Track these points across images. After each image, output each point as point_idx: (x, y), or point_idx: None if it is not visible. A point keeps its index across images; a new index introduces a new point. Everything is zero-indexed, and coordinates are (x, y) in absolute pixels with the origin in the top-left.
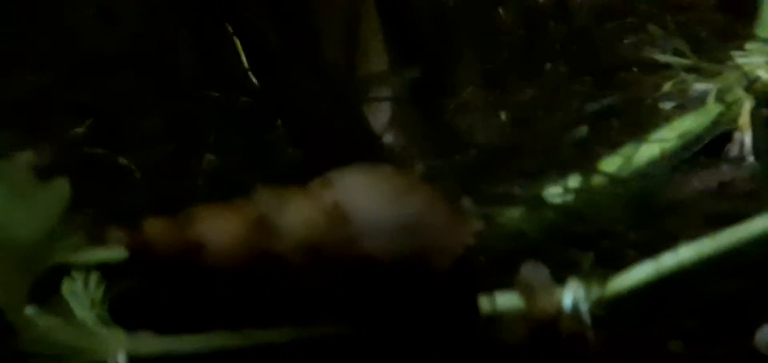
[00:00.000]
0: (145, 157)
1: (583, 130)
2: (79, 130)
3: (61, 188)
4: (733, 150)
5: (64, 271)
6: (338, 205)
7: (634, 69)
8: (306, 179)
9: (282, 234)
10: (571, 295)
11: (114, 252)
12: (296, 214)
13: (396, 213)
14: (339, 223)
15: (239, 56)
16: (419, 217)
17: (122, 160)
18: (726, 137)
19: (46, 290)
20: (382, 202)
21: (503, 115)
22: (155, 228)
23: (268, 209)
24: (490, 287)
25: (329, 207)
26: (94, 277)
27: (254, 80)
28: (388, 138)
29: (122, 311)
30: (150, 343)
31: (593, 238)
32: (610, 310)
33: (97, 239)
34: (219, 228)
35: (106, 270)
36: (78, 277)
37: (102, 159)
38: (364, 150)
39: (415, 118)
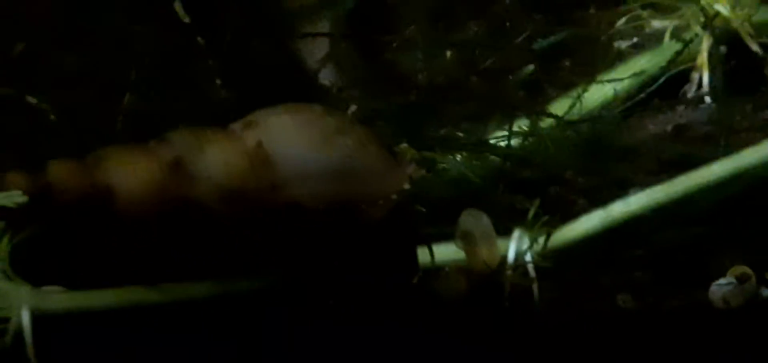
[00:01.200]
0: (63, 98)
1: (531, 69)
2: None
3: None
4: (690, 91)
5: None
6: (261, 147)
7: (588, 4)
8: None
9: (199, 178)
10: (515, 245)
11: (11, 196)
12: (215, 156)
13: (324, 156)
14: (262, 166)
15: None
16: (349, 160)
17: (36, 102)
18: (683, 78)
19: None
20: (310, 144)
21: (447, 54)
22: (59, 171)
23: (185, 151)
24: (430, 238)
25: (252, 149)
26: None
27: (181, 14)
28: (323, 76)
29: (28, 264)
30: (58, 299)
31: (540, 185)
32: (557, 261)
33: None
34: (130, 172)
35: (7, 217)
36: None
37: (14, 99)
38: (298, 89)
39: (353, 55)
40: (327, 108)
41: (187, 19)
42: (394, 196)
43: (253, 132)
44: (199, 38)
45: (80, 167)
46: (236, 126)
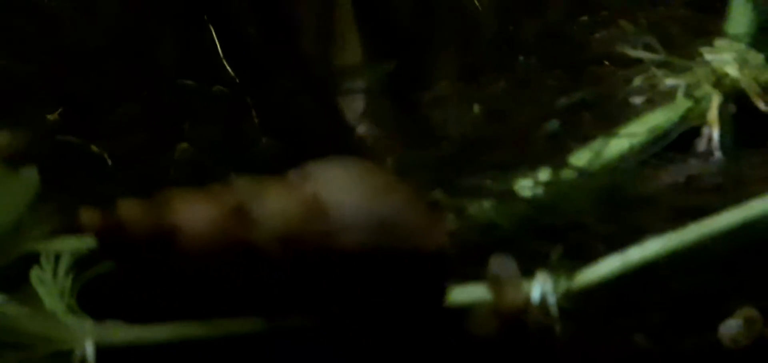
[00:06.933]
0: (119, 146)
1: (554, 123)
2: (53, 117)
3: (29, 177)
4: (701, 145)
5: (33, 259)
6: (317, 197)
7: (606, 63)
8: (279, 170)
9: (259, 223)
10: (540, 287)
11: (83, 241)
12: (274, 204)
13: (373, 209)
14: (317, 215)
15: (215, 45)
16: (396, 214)
17: (94, 148)
18: (694, 132)
19: (14, 279)
20: (361, 197)
21: (476, 108)
22: (129, 209)
23: (247, 197)
24: (461, 279)
25: (308, 199)
26: (62, 266)
27: (229, 70)
28: (361, 129)
29: (92, 299)
30: (118, 332)
31: (562, 231)
32: (578, 302)
33: (70, 223)
34: (195, 213)
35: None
36: (47, 266)
37: (75, 147)
38: (338, 141)
39: (389, 110)
40: (378, 165)
41: (233, 74)
42: (434, 249)
43: (310, 183)
44: (245, 91)
45: (149, 206)
46: (294, 175)
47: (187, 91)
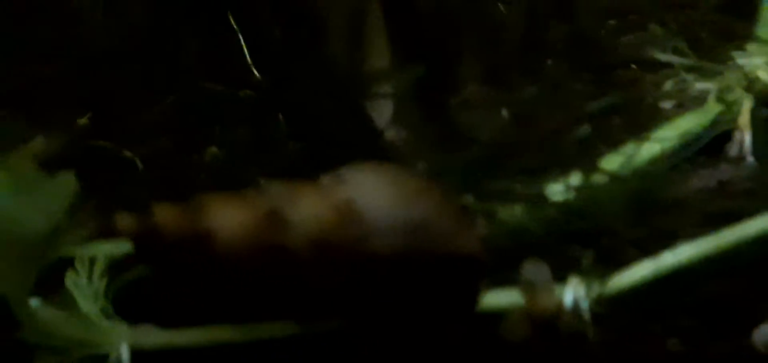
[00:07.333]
0: (148, 150)
1: (584, 128)
2: (83, 121)
3: (67, 181)
4: (733, 149)
5: (69, 263)
6: (351, 202)
7: (635, 68)
8: (307, 174)
9: (293, 227)
10: (572, 292)
11: (119, 245)
12: (308, 208)
13: (406, 213)
14: (350, 220)
15: (242, 50)
16: (429, 219)
17: (126, 153)
18: (726, 137)
19: (51, 283)
20: (394, 201)
21: (505, 113)
22: (164, 214)
23: (280, 202)
24: (493, 284)
25: (341, 203)
26: (98, 270)
27: (257, 74)
28: (390, 134)
29: (127, 303)
30: (153, 335)
31: (594, 236)
32: (610, 307)
33: (104, 228)
34: (230, 217)
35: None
36: (82, 270)
37: (105, 151)
38: (366, 146)
39: (418, 114)
40: (410, 169)
41: (260, 78)
42: (466, 254)
43: (343, 187)
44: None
45: (184, 211)
46: (326, 180)
47: (215, 95)
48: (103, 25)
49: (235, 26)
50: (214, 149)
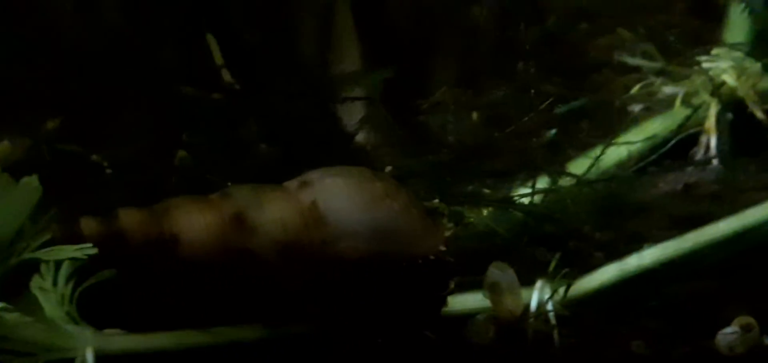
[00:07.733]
0: (118, 154)
1: (552, 131)
2: (52, 125)
3: (31, 186)
4: (699, 153)
5: (34, 268)
6: (315, 205)
7: (604, 71)
8: (278, 177)
9: (258, 231)
10: (538, 295)
11: (83, 249)
12: (273, 211)
13: (372, 216)
14: (315, 223)
15: (213, 53)
16: (394, 222)
17: (94, 157)
18: (692, 140)
19: (15, 287)
20: (359, 204)
21: (475, 115)
22: (129, 218)
23: (245, 206)
24: (460, 286)
25: (306, 206)
26: (63, 274)
27: (228, 77)
28: (360, 137)
29: (92, 307)
30: (118, 340)
31: (561, 239)
32: (576, 310)
33: (69, 232)
34: (195, 221)
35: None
36: (47, 274)
37: (73, 155)
38: (336, 148)
39: (388, 117)
40: (376, 172)
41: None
42: (431, 256)
43: (308, 191)
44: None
45: (149, 215)
46: (292, 184)
47: (186, 98)
48: (74, 27)
49: (207, 30)
50: (183, 153)
